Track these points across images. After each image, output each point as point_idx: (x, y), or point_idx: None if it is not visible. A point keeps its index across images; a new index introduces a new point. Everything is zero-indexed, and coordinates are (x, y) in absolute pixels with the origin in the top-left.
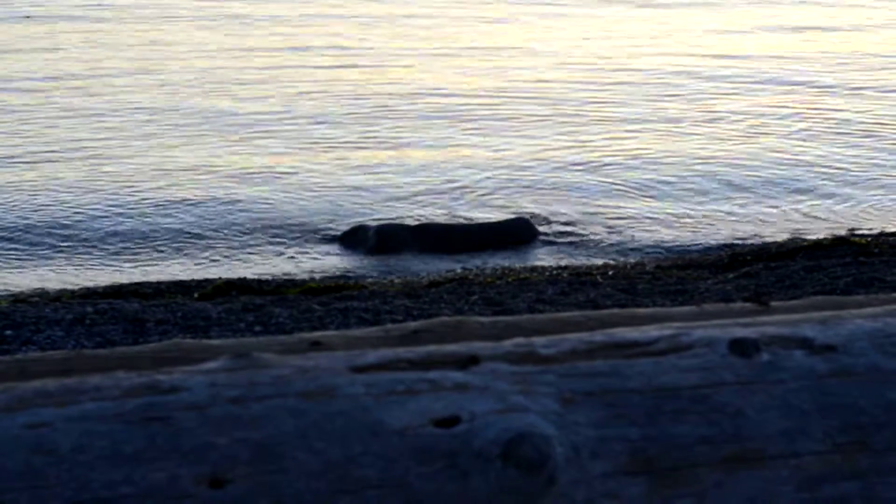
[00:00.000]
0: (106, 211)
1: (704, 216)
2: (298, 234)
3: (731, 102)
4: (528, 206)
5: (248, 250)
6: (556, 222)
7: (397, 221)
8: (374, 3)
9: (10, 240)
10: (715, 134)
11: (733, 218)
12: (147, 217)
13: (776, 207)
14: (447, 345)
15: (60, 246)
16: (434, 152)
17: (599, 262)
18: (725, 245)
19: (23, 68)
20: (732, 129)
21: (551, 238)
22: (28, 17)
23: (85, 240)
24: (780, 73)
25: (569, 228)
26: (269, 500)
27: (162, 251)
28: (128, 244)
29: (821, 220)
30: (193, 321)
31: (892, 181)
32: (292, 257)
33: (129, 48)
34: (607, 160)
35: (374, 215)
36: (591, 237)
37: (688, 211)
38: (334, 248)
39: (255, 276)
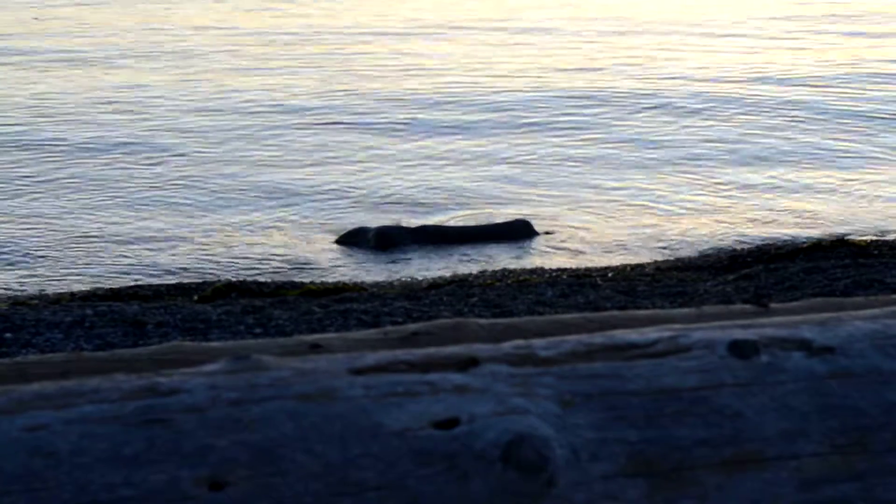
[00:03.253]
0: (104, 213)
1: (704, 218)
2: (298, 236)
3: (729, 98)
4: (527, 207)
5: (248, 252)
6: (555, 224)
7: (397, 223)
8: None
9: (8, 243)
10: (712, 131)
11: (733, 219)
12: (145, 219)
13: (775, 208)
14: (446, 347)
15: (59, 248)
16: (433, 153)
17: (599, 264)
18: (725, 247)
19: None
20: (730, 125)
21: (551, 240)
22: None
23: (83, 242)
24: (773, 68)
25: (568, 230)
26: (268, 502)
27: (161, 253)
28: (126, 247)
29: (820, 221)
30: (193, 323)
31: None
32: (292, 259)
33: (126, 32)
34: (607, 161)
35: (374, 217)
36: (591, 239)
37: (686, 212)
38: (334, 249)
39: (255, 279)
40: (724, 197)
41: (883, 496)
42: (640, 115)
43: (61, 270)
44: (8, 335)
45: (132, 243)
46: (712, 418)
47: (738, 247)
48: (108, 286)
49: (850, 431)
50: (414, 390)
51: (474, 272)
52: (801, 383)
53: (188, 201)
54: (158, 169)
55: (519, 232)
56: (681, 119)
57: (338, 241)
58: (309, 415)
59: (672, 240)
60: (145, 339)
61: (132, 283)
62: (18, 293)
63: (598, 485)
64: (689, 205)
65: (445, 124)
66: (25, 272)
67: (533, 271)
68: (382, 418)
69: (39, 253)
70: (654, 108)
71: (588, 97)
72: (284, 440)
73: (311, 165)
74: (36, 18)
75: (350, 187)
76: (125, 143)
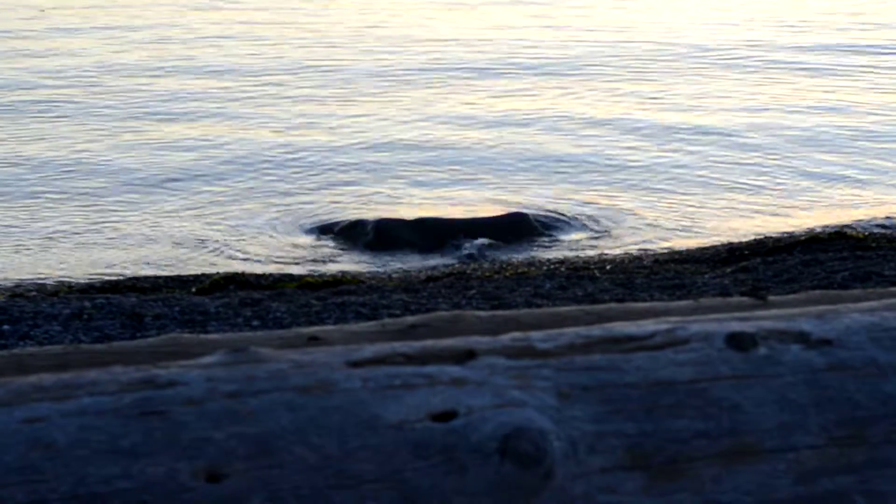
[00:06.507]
0: (102, 205)
1: (702, 210)
2: (296, 229)
3: (727, 95)
4: (526, 200)
5: (247, 245)
6: (554, 217)
7: (395, 216)
8: None
9: (6, 234)
10: (710, 128)
11: (731, 212)
12: (144, 210)
13: (774, 201)
14: (444, 339)
15: (58, 240)
16: (432, 146)
17: (597, 256)
18: (723, 239)
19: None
20: (727, 124)
21: (549, 232)
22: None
23: (82, 234)
24: (778, 61)
25: (567, 223)
26: (266, 494)
27: (159, 245)
28: (125, 238)
29: (817, 213)
30: (191, 316)
31: (891, 170)
32: (290, 252)
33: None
34: (606, 155)
35: (372, 209)
36: (589, 231)
37: (686, 205)
38: (332, 242)
39: (253, 271)
40: (722, 188)
41: (880, 488)
42: (639, 110)
43: (60, 262)
44: (6, 327)
45: (130, 234)
46: (710, 411)
47: (736, 239)
48: (107, 278)
49: (847, 424)
50: (412, 383)
51: (472, 265)
52: (799, 376)
53: (184, 192)
54: (155, 159)
55: (517, 224)
56: (679, 113)
57: (336, 234)
58: (307, 407)
59: (670, 232)
60: (143, 331)
61: (130, 275)
62: (17, 285)
63: (596, 477)
64: (688, 196)
65: (441, 116)
66: (24, 264)
67: (531, 264)
68: (380, 411)
69: (37, 245)
70: (655, 101)
71: (587, 91)
72: (282, 432)
73: (308, 157)
74: (42, 11)
75: (347, 180)
76: (125, 130)
